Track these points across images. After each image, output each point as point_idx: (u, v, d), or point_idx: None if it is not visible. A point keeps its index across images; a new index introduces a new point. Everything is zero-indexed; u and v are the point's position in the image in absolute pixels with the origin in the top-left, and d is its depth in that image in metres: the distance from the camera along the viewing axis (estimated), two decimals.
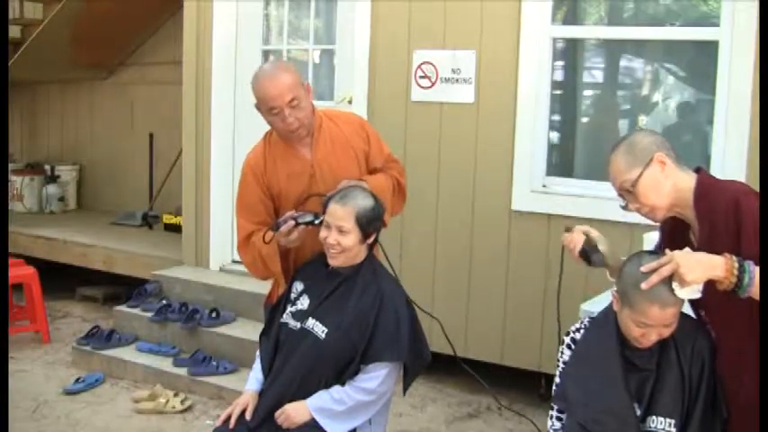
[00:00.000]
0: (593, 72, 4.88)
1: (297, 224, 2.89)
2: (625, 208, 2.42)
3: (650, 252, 2.39)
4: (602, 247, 2.55)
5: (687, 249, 2.25)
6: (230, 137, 5.70)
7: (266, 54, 5.64)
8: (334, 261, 2.88)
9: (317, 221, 2.90)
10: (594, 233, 2.57)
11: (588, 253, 2.53)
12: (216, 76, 5.58)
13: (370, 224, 2.86)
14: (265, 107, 2.96)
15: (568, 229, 2.59)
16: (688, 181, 2.35)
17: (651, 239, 3.27)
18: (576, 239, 2.55)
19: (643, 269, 2.26)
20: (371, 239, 2.92)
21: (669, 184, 2.34)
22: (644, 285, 2.24)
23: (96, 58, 7.40)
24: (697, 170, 2.39)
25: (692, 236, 2.39)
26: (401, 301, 2.88)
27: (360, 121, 3.23)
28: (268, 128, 3.10)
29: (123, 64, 7.61)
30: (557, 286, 2.80)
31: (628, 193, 2.38)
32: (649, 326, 2.30)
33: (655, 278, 2.23)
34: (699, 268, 2.19)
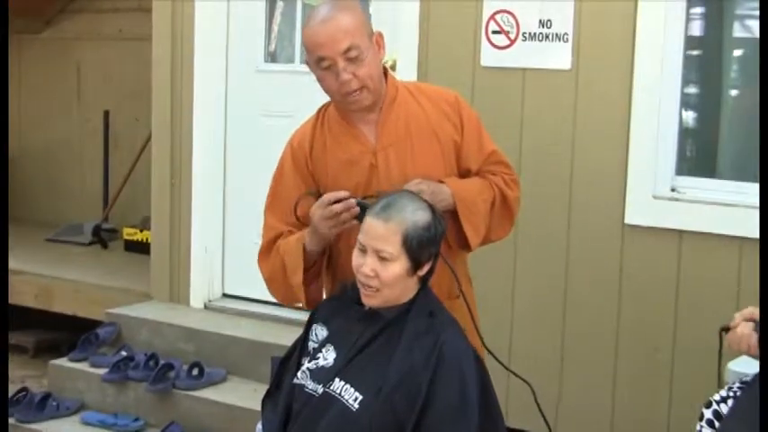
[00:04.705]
0: (748, 23, 4.87)
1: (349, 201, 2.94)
2: None
3: None
4: None
5: None
6: (221, 116, 5.80)
7: (271, 1, 5.71)
8: (371, 300, 2.93)
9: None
10: (756, 311, 2.54)
11: None
12: (200, 29, 5.69)
13: (423, 249, 2.89)
14: (313, 58, 3.04)
15: (725, 329, 2.55)
16: None
17: None
18: (745, 333, 2.49)
19: None
20: (425, 269, 2.95)
21: None
22: None
23: (27, 3, 7.50)
24: None
25: None
26: (469, 359, 2.91)
27: (454, 99, 3.24)
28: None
29: (65, 11, 7.73)
30: (707, 341, 2.77)
31: None
32: None
33: None
34: None
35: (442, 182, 3.08)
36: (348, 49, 2.97)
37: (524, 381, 3.25)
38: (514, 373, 3.17)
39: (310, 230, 3.04)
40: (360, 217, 2.96)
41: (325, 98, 3.25)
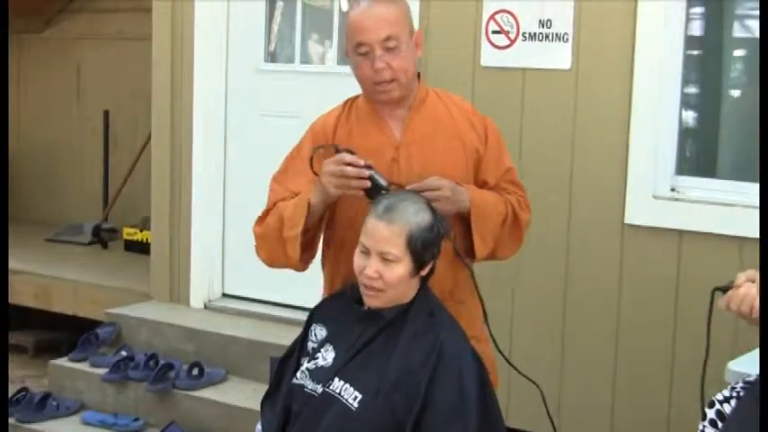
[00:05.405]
0: (748, 23, 4.87)
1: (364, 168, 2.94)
2: None
3: None
4: None
5: None
6: (221, 117, 5.80)
7: (271, 0, 5.72)
8: (374, 301, 2.94)
9: (383, 192, 2.95)
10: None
11: None
12: (200, 29, 5.69)
13: (426, 249, 2.90)
14: (352, 43, 3.09)
15: (725, 288, 2.54)
16: None
17: None
18: (750, 293, 2.49)
19: None
20: (427, 270, 2.96)
21: None
22: None
23: (27, 3, 7.51)
24: None
25: None
26: (468, 358, 2.92)
27: (480, 112, 3.31)
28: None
29: (65, 11, 7.73)
30: (703, 352, 2.78)
31: None
32: None
33: None
34: None
35: (459, 184, 3.09)
36: (387, 38, 3.03)
37: (535, 384, 3.25)
38: (528, 378, 3.17)
39: (316, 181, 3.05)
40: (369, 193, 2.96)
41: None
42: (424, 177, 3.04)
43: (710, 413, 2.58)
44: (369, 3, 3.08)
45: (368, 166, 2.96)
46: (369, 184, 2.95)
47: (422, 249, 2.89)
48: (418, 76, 3.20)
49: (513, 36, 4.76)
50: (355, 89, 3.15)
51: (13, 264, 6.38)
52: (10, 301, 6.33)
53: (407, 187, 3.01)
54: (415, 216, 2.90)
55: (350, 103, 3.28)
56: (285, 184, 3.21)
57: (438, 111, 3.21)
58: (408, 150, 3.14)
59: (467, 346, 2.95)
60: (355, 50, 3.08)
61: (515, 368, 3.11)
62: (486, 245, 3.16)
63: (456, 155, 3.17)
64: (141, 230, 6.72)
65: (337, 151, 3.01)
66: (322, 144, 3.12)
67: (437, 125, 3.18)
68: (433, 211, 2.95)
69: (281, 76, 5.68)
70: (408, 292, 2.94)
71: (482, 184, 3.22)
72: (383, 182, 2.97)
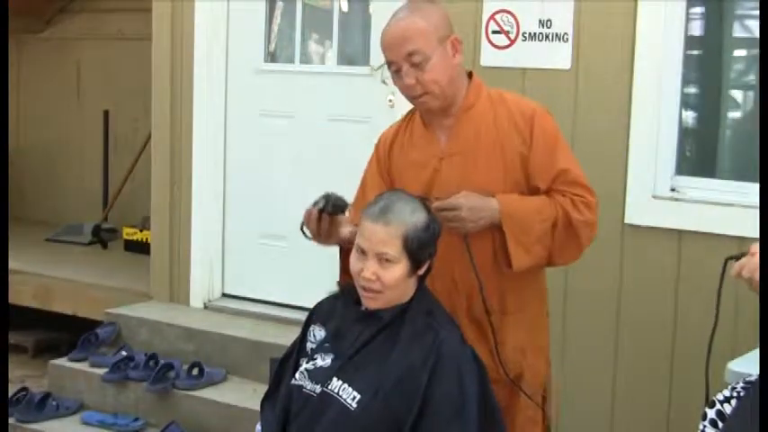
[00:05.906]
0: (748, 23, 4.88)
1: (319, 213, 3.00)
2: None
3: None
4: None
5: None
6: (221, 116, 5.80)
7: (271, 0, 5.72)
8: (372, 303, 2.94)
9: (323, 207, 3.00)
10: None
11: None
12: (200, 29, 5.69)
13: (423, 249, 2.91)
14: (385, 60, 3.09)
15: (738, 257, 2.56)
16: None
17: None
18: (756, 262, 2.51)
19: None
20: (424, 269, 2.97)
21: None
22: None
23: (27, 3, 7.53)
24: None
25: None
26: (467, 357, 2.92)
27: (531, 112, 3.13)
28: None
29: (66, 10, 7.74)
30: (707, 341, 2.78)
31: None
32: None
33: None
34: None
35: (492, 195, 3.02)
36: (411, 54, 2.99)
37: (543, 409, 3.29)
38: (533, 399, 3.22)
39: None
40: (325, 207, 3.00)
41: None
42: (461, 189, 3.00)
43: (711, 413, 2.58)
44: (395, 18, 3.05)
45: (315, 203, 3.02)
46: (320, 205, 3.00)
47: (418, 249, 2.89)
48: (470, 77, 3.16)
49: (513, 36, 4.76)
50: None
51: (13, 264, 6.37)
52: (10, 301, 6.34)
53: (433, 206, 2.97)
54: (410, 216, 2.90)
55: (410, 115, 3.25)
56: (356, 205, 3.20)
57: (485, 118, 3.12)
58: (450, 162, 3.11)
59: (466, 346, 2.95)
60: (388, 67, 3.07)
61: (522, 390, 3.15)
62: (528, 253, 3.05)
63: (496, 165, 3.08)
64: (141, 230, 6.73)
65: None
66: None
67: (480, 134, 3.11)
68: (429, 210, 2.95)
69: (281, 76, 5.67)
70: (407, 291, 2.95)
71: (535, 190, 3.10)
72: (320, 204, 3.01)
